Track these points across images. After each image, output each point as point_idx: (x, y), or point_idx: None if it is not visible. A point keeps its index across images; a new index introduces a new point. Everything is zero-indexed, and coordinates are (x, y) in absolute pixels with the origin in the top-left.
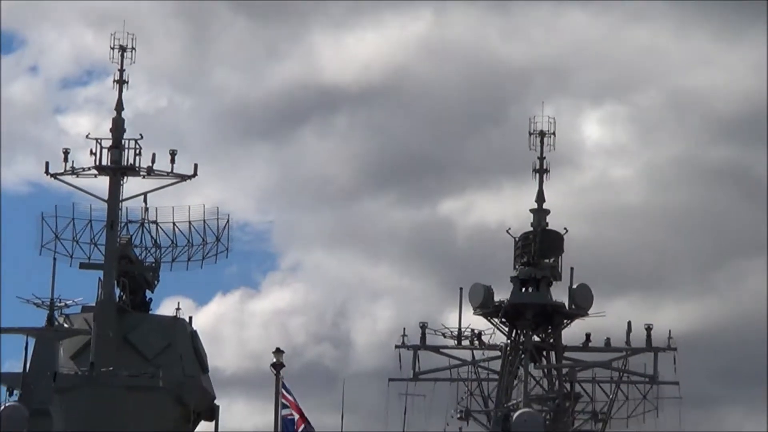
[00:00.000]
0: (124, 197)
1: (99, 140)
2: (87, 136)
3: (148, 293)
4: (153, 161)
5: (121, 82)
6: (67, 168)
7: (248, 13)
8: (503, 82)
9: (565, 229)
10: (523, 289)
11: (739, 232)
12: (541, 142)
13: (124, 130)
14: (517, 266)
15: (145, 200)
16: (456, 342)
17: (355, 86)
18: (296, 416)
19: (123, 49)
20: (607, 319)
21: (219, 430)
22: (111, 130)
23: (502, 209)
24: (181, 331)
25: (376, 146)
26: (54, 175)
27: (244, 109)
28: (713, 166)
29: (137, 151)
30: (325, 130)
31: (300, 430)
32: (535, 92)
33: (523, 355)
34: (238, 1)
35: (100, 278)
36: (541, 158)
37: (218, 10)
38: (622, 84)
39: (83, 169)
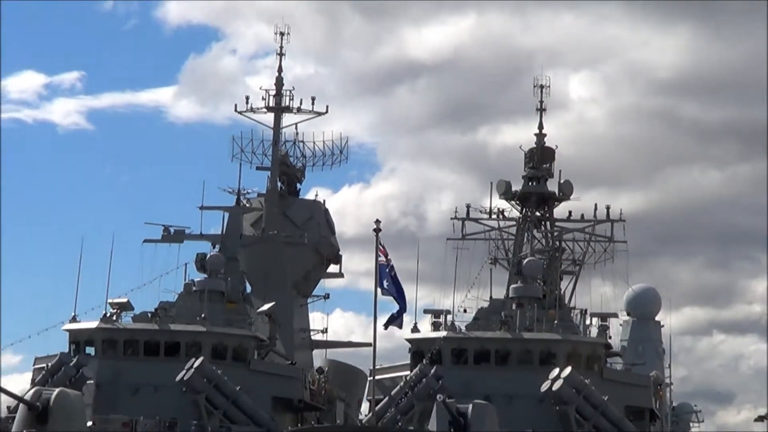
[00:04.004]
0: (283, 126)
1: (268, 90)
2: (260, 88)
3: (298, 185)
4: (301, 104)
5: (280, 55)
6: (248, 108)
7: (362, 12)
8: (520, 57)
9: (556, 146)
10: (530, 183)
11: (670, 149)
12: (541, 92)
13: (283, 85)
14: (526, 169)
15: (296, 128)
16: (488, 216)
17: (429, 61)
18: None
19: (282, 34)
20: (582, 202)
21: (342, 270)
22: (275, 84)
23: (517, 134)
24: (318, 209)
25: (441, 97)
26: (241, 112)
27: (361, 74)
28: (653, 110)
29: (291, 97)
30: (411, 88)
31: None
32: (539, 62)
33: (529, 224)
34: (356, 2)
35: (268, 176)
36: (541, 102)
37: (344, 10)
38: (594, 58)
39: (258, 109)
